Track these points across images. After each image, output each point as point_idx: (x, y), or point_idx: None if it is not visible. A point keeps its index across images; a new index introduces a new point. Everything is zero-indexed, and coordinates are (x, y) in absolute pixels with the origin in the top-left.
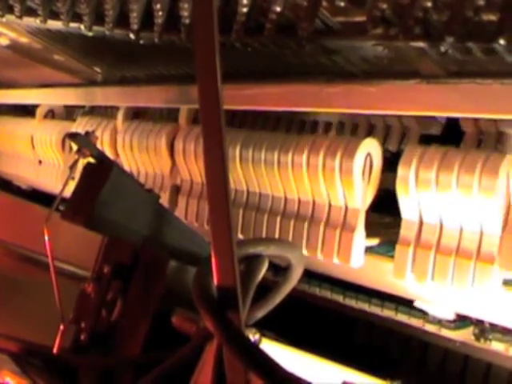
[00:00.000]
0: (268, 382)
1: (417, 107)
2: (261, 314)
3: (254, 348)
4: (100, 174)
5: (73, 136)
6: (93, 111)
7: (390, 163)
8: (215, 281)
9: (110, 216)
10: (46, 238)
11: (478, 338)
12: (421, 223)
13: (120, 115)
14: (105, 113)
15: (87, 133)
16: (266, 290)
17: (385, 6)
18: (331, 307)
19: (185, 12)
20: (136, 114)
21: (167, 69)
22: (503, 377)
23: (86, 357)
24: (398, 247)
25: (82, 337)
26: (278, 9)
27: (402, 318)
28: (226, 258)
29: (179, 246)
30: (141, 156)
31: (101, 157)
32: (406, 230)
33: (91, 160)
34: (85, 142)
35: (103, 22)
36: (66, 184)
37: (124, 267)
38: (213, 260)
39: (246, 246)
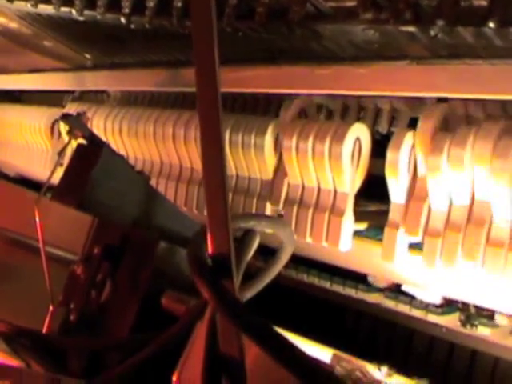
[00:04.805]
0: (262, 346)
1: (407, 88)
2: (250, 293)
3: (248, 312)
4: (91, 155)
5: (64, 117)
6: (82, 97)
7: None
8: (209, 249)
9: (101, 197)
10: (37, 219)
11: (464, 324)
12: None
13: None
14: (94, 98)
15: (78, 114)
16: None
17: None
18: (318, 294)
19: None
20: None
21: (157, 55)
22: (488, 363)
23: (74, 338)
24: (386, 229)
25: (72, 318)
26: None
27: (388, 303)
28: (220, 227)
29: (169, 227)
30: (130, 141)
31: (92, 138)
32: (395, 213)
33: (82, 141)
34: (76, 123)
35: (94, 7)
36: (54, 170)
37: (113, 248)
38: (207, 228)
39: (238, 219)
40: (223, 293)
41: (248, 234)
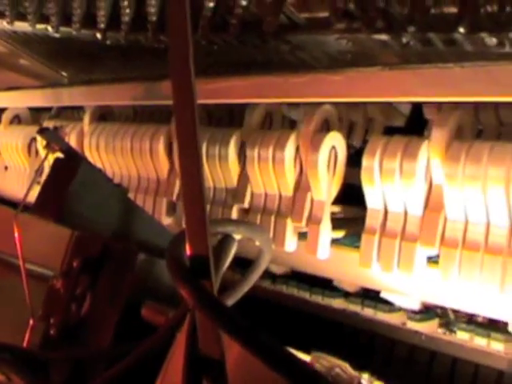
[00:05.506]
0: (243, 344)
1: (381, 94)
2: (230, 302)
3: (228, 310)
4: (69, 168)
5: (41, 131)
6: (59, 115)
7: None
8: (187, 250)
9: (80, 210)
10: (16, 234)
11: (443, 331)
12: (386, 212)
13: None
14: (71, 116)
15: (56, 128)
16: None
17: None
18: (297, 305)
19: (152, 8)
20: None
21: (133, 71)
22: (469, 370)
23: (55, 351)
24: (363, 236)
25: (52, 332)
26: (244, 2)
27: (367, 312)
28: (199, 228)
29: (148, 239)
30: (107, 157)
31: (70, 151)
32: (372, 219)
33: (60, 155)
34: (54, 136)
35: (70, 24)
36: (31, 187)
37: (93, 261)
38: (185, 230)
39: (216, 224)
40: (203, 292)
41: (226, 238)
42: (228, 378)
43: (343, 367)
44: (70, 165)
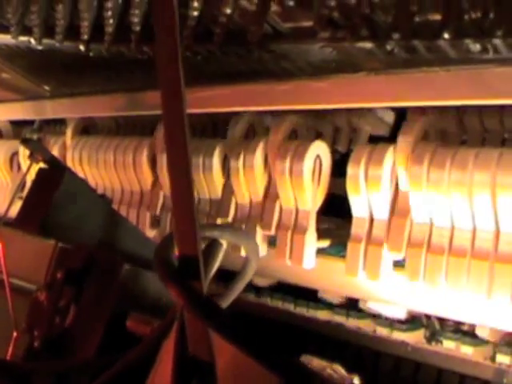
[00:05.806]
0: (235, 343)
1: (367, 99)
2: None
3: (219, 309)
4: (53, 178)
5: (25, 141)
6: (41, 129)
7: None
8: (177, 251)
9: (64, 220)
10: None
11: (429, 341)
12: (371, 220)
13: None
14: (54, 130)
15: (39, 138)
16: None
17: (332, 3)
18: (282, 317)
19: (135, 18)
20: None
21: (116, 83)
22: (454, 380)
23: (39, 363)
24: (349, 244)
25: (36, 344)
26: (228, 11)
27: (353, 322)
28: (188, 229)
29: (132, 249)
30: (91, 170)
31: (53, 161)
32: (357, 228)
33: (43, 166)
34: (37, 146)
35: (53, 35)
36: (12, 202)
37: (77, 272)
38: (174, 231)
39: (203, 229)
40: (193, 291)
41: (213, 243)
42: (218, 381)
43: (335, 368)
44: (54, 175)
